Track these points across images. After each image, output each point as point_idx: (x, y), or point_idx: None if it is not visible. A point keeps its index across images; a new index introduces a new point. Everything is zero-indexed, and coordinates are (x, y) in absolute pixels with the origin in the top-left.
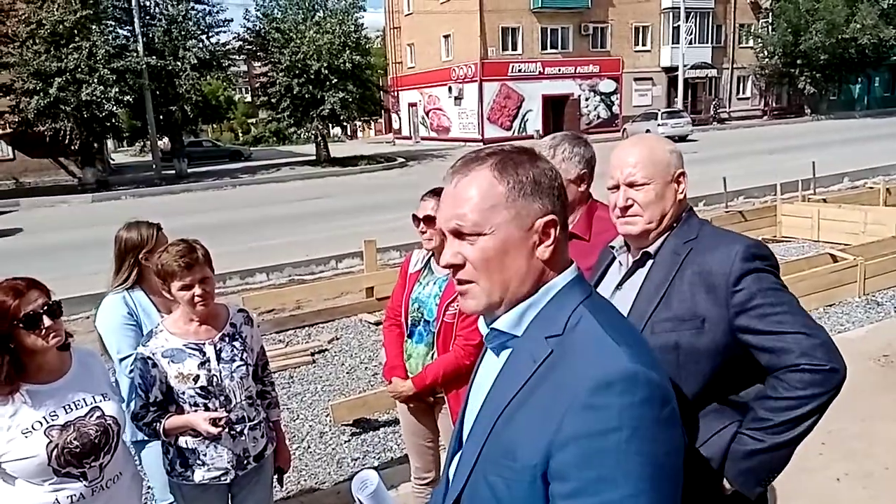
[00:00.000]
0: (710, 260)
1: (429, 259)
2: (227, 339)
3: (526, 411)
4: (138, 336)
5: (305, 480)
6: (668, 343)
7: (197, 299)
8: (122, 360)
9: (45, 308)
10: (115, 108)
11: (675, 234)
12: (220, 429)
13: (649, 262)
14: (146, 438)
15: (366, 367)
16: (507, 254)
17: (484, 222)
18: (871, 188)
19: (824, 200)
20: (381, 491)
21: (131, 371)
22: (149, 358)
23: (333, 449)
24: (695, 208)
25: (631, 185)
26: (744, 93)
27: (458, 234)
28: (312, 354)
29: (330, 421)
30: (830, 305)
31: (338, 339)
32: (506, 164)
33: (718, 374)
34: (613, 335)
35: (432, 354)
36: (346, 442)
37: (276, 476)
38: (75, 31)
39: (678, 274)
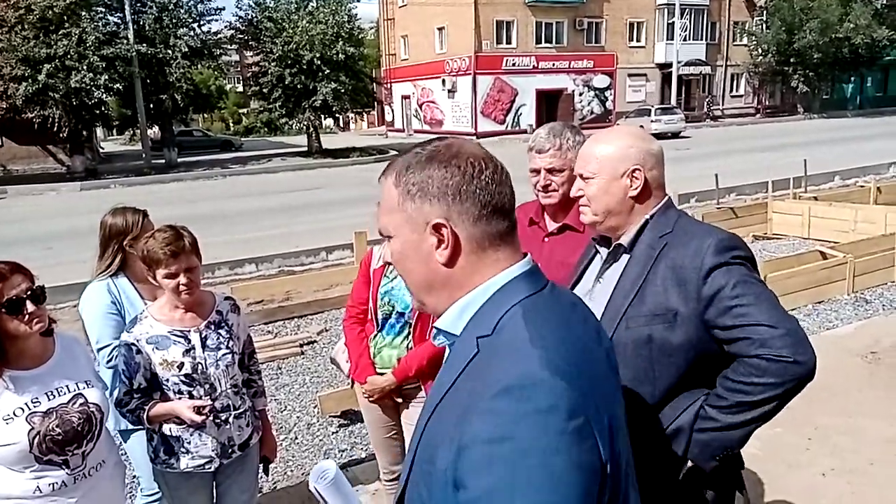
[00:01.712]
0: (684, 254)
1: None
2: (212, 326)
3: (446, 413)
4: (120, 326)
5: (292, 471)
6: (642, 337)
7: (182, 288)
8: (100, 349)
9: (29, 293)
10: (104, 95)
11: (650, 227)
12: (204, 417)
13: (625, 256)
14: (132, 427)
15: None
16: (408, 257)
17: (388, 226)
18: (861, 186)
19: (815, 198)
20: (339, 481)
21: (109, 361)
22: (133, 344)
23: (321, 440)
24: (686, 204)
25: (581, 176)
26: (737, 90)
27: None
28: (301, 346)
29: (317, 412)
30: (819, 303)
31: (327, 330)
32: (402, 167)
33: (692, 368)
34: (535, 336)
35: (407, 345)
36: (333, 433)
37: (261, 465)
38: (65, 17)
39: (653, 269)
